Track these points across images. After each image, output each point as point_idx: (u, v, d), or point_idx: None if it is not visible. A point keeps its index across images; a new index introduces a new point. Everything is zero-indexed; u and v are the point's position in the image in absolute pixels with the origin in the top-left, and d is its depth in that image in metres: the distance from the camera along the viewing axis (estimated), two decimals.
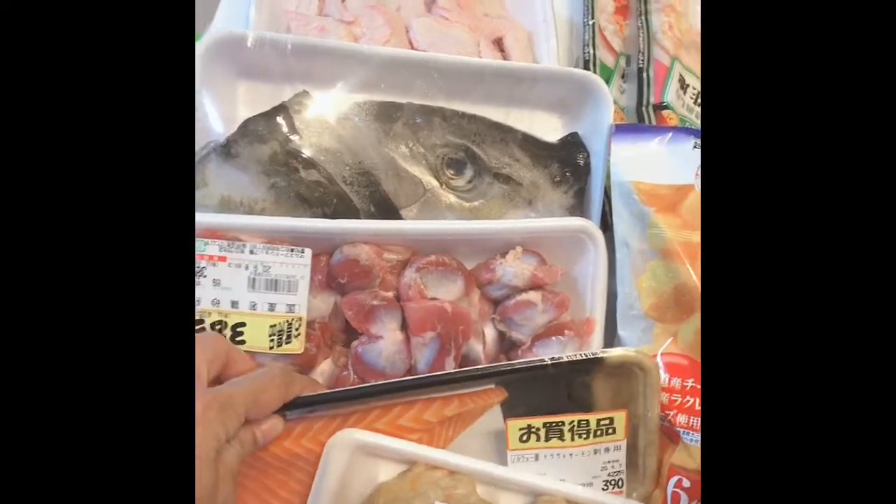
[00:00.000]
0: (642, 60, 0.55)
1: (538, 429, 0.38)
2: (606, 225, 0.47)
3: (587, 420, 0.38)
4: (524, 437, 0.38)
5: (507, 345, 0.45)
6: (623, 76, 0.56)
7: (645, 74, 0.55)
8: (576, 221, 0.43)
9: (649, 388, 0.40)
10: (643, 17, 0.56)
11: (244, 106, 0.46)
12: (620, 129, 0.45)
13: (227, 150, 0.40)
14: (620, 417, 0.39)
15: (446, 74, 0.46)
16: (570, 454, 0.39)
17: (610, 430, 0.39)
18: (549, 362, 0.38)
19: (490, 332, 0.44)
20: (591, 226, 0.43)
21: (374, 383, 0.37)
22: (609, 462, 0.39)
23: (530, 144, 0.47)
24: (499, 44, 0.55)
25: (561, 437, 0.38)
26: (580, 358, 0.38)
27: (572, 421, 0.38)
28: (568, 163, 0.47)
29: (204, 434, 0.29)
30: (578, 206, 0.47)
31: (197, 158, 0.41)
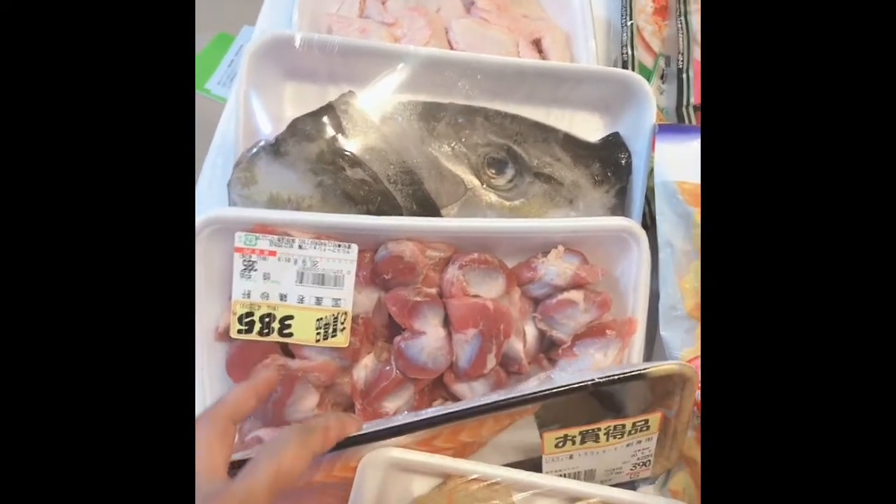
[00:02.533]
0: (682, 61, 0.55)
1: (574, 436, 0.38)
2: (646, 225, 0.46)
3: (623, 424, 0.38)
4: (560, 444, 0.38)
5: (547, 343, 0.45)
6: (662, 77, 0.56)
7: (684, 75, 0.54)
8: (619, 221, 0.43)
9: (687, 392, 0.39)
10: (683, 18, 0.56)
11: (291, 106, 0.47)
12: (664, 129, 0.45)
13: (276, 148, 0.41)
14: (655, 418, 0.39)
15: (489, 75, 0.47)
16: (604, 451, 0.39)
17: (644, 429, 0.39)
18: (591, 383, 0.36)
19: (531, 331, 0.44)
20: (635, 225, 0.43)
21: (409, 421, 0.35)
22: (640, 450, 0.39)
23: (571, 144, 0.47)
24: (537, 45, 0.55)
25: (596, 440, 0.38)
26: (623, 375, 0.36)
27: (608, 426, 0.38)
28: (609, 162, 0.47)
29: None
30: (620, 206, 0.47)
31: (246, 157, 0.42)
